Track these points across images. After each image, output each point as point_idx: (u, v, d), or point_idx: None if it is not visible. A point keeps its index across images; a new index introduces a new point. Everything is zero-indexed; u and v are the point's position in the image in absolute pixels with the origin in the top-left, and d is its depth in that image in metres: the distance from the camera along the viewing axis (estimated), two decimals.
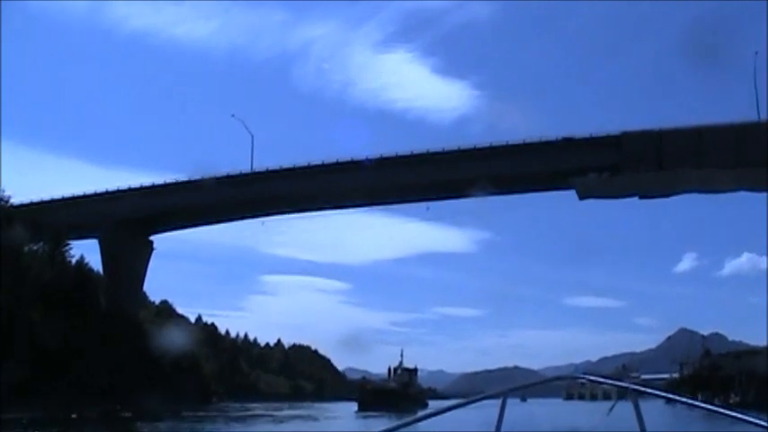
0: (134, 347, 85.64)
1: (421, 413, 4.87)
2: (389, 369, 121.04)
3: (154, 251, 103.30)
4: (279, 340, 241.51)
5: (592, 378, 5.25)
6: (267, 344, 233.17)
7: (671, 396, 4.91)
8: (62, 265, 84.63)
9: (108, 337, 79.54)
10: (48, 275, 77.28)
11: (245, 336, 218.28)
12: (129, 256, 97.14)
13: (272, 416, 78.81)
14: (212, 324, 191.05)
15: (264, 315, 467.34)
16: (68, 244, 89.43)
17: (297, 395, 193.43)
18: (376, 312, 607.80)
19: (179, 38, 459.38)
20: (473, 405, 4.54)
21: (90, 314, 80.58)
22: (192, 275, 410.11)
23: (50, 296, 73.73)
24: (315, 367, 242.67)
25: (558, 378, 5.45)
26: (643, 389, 4.73)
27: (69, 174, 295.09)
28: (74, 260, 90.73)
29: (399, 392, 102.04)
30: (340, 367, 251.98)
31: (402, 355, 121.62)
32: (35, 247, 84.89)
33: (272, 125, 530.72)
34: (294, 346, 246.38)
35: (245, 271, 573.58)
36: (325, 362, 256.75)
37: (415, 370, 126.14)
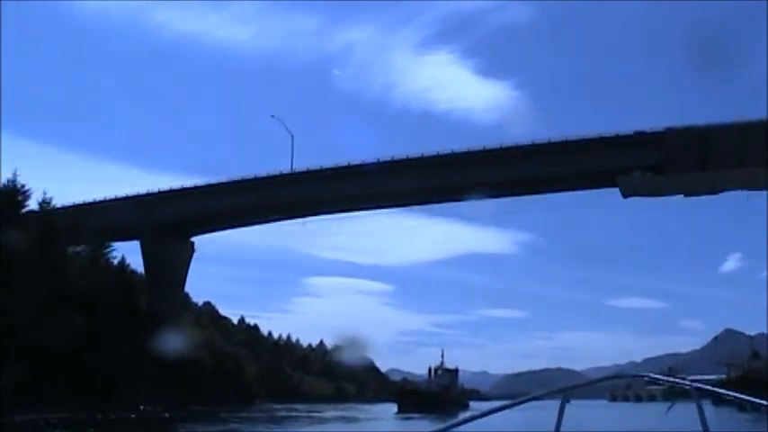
0: (175, 350, 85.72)
1: (466, 414, 4.59)
2: (430, 370, 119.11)
3: (195, 253, 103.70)
4: (321, 341, 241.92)
5: (654, 377, 5.06)
6: (309, 345, 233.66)
7: (739, 396, 4.65)
8: (104, 268, 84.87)
9: (149, 340, 79.61)
10: (90, 278, 77.41)
11: (288, 337, 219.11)
12: (170, 258, 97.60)
13: (312, 417, 78.55)
14: (255, 325, 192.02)
15: (307, 317, 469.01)
16: (110, 246, 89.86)
17: (339, 397, 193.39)
18: (418, 314, 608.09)
19: (219, 42, 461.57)
20: (517, 407, 4.32)
21: (132, 317, 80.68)
22: (234, 278, 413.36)
23: (92, 299, 73.94)
24: (357, 369, 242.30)
25: (619, 377, 5.21)
26: (707, 387, 4.59)
27: (111, 177, 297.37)
28: (116, 262, 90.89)
29: (439, 394, 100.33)
30: (383, 369, 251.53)
31: (443, 356, 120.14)
32: (78, 249, 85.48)
33: (313, 128, 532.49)
34: (337, 347, 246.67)
35: (287, 273, 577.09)
36: (368, 363, 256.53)
37: (456, 371, 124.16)
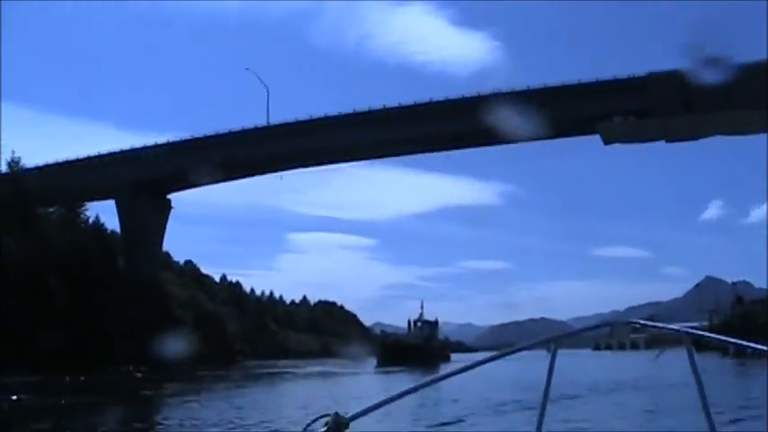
0: (154, 309, 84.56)
1: (448, 367, 4.05)
2: (409, 322, 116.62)
3: (174, 211, 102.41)
4: (305, 297, 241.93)
5: (645, 323, 4.82)
6: (293, 301, 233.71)
7: (731, 340, 4.34)
8: (78, 228, 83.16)
9: (126, 300, 78.41)
10: (63, 239, 75.79)
11: (271, 294, 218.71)
12: (146, 217, 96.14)
13: (292, 373, 77.56)
14: (237, 283, 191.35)
15: (290, 273, 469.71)
16: (84, 206, 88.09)
17: (324, 352, 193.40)
18: (401, 268, 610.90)
19: None
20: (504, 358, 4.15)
21: (108, 277, 79.25)
22: (216, 237, 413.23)
23: (67, 260, 72.41)
24: (342, 324, 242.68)
25: (610, 324, 5.10)
26: (698, 333, 4.40)
27: (82, 136, 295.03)
28: (90, 222, 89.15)
29: (420, 346, 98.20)
30: (367, 323, 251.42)
31: (422, 308, 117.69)
32: (50, 210, 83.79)
33: (288, 81, 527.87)
34: (321, 303, 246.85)
35: (268, 230, 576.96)
36: (352, 318, 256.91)
37: (436, 323, 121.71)
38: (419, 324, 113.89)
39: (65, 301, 69.35)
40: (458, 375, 4.11)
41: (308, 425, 2.74)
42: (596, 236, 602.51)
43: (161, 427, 25.99)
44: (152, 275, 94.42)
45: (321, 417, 2.78)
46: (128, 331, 75.63)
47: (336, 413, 2.80)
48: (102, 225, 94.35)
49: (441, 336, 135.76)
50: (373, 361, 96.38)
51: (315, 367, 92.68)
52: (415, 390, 3.67)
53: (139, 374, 61.02)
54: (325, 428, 2.72)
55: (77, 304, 70.67)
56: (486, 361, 4.33)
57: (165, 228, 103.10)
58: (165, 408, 34.91)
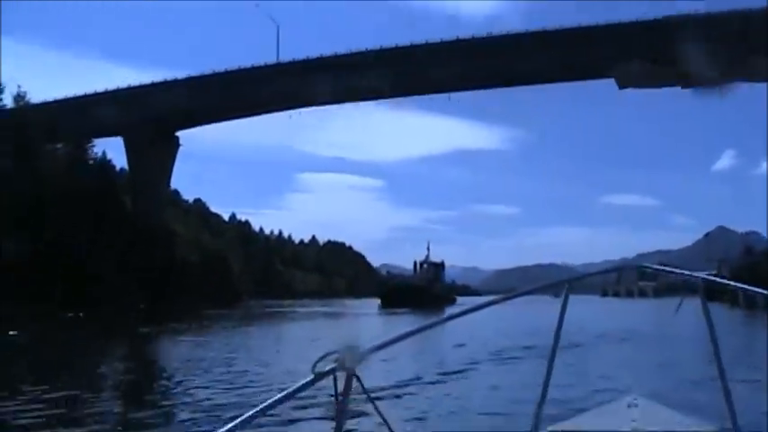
0: (159, 248, 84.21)
1: (453, 309, 4.40)
2: (415, 264, 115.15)
3: (183, 149, 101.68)
4: (313, 237, 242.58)
5: (657, 267, 4.73)
6: (302, 241, 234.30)
7: (746, 287, 4.20)
8: (84, 166, 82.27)
9: (131, 237, 77.98)
10: (69, 177, 74.96)
11: (280, 233, 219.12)
12: (154, 155, 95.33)
13: (295, 312, 77.21)
14: (246, 222, 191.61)
15: (299, 213, 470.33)
16: (91, 142, 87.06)
17: (330, 292, 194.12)
18: (410, 210, 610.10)
19: None
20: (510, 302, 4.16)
21: (114, 215, 78.67)
22: (225, 175, 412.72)
23: (73, 198, 71.68)
24: (349, 264, 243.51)
25: (622, 268, 4.81)
26: (712, 278, 4.27)
27: (90, 73, 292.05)
28: (97, 159, 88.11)
29: (424, 288, 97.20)
30: (374, 264, 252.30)
31: (428, 250, 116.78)
32: (57, 147, 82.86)
33: (299, 18, 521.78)
34: (329, 243, 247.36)
35: (278, 170, 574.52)
36: (360, 259, 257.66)
37: (442, 265, 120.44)
38: (425, 266, 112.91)
39: (69, 237, 68.75)
40: (465, 317, 3.99)
41: (318, 360, 2.65)
42: (606, 183, 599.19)
43: (161, 365, 25.65)
44: (158, 214, 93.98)
45: (331, 353, 2.67)
46: (132, 269, 75.39)
47: (347, 348, 2.69)
48: (110, 162, 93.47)
49: (448, 279, 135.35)
50: (376, 301, 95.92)
51: (319, 308, 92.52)
52: (421, 330, 3.58)
53: (141, 312, 60.58)
54: (335, 364, 2.65)
55: (82, 241, 70.11)
56: (494, 302, 4.31)
57: (172, 166, 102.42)
58: (166, 346, 34.51)
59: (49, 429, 12.43)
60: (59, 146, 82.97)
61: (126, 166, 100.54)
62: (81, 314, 54.96)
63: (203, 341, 35.40)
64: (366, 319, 60.75)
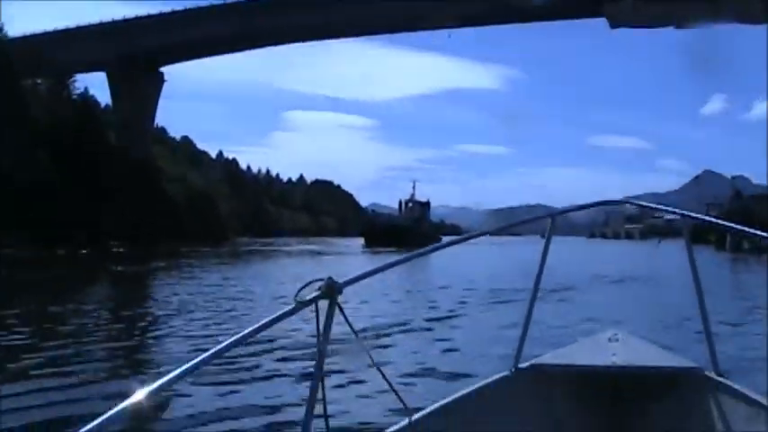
0: (144, 185, 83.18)
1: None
2: (400, 203, 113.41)
3: (171, 87, 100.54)
4: (301, 176, 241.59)
5: (642, 204, 4.73)
6: (290, 179, 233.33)
7: (731, 225, 4.32)
8: (66, 101, 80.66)
9: (117, 175, 76.85)
10: (50, 112, 73.53)
11: (268, 172, 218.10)
12: (139, 90, 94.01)
13: (278, 251, 76.32)
14: (234, 160, 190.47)
15: (288, 152, 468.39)
16: (73, 78, 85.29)
17: (319, 231, 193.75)
18: (401, 150, 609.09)
19: None
20: (497, 241, 5.04)
21: (99, 151, 77.37)
22: (213, 113, 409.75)
23: (54, 134, 70.40)
24: (338, 204, 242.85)
25: (607, 203, 4.54)
26: (697, 216, 4.28)
27: (76, 5, 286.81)
28: (79, 95, 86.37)
29: (409, 227, 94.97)
30: (364, 203, 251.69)
31: (414, 188, 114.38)
32: (38, 82, 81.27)
33: None
34: (317, 182, 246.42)
35: (266, 108, 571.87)
36: (349, 198, 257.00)
37: (428, 204, 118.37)
38: (410, 205, 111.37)
39: (52, 174, 67.65)
40: (450, 252, 4.11)
41: (301, 289, 2.65)
42: (596, 124, 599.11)
43: (141, 302, 24.91)
44: (143, 150, 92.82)
45: (314, 281, 2.69)
46: (117, 207, 74.50)
47: (330, 278, 2.69)
48: (93, 98, 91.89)
49: (437, 219, 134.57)
50: (360, 240, 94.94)
51: (305, 246, 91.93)
52: (402, 261, 3.58)
53: (124, 250, 59.79)
54: (318, 293, 2.68)
55: (66, 178, 68.94)
56: (477, 235, 4.33)
57: (157, 102, 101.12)
58: (150, 283, 34.07)
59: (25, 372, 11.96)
60: (40, 81, 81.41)
61: (110, 102, 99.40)
62: (61, 252, 54.35)
63: (187, 278, 35.02)
64: (349, 258, 60.32)
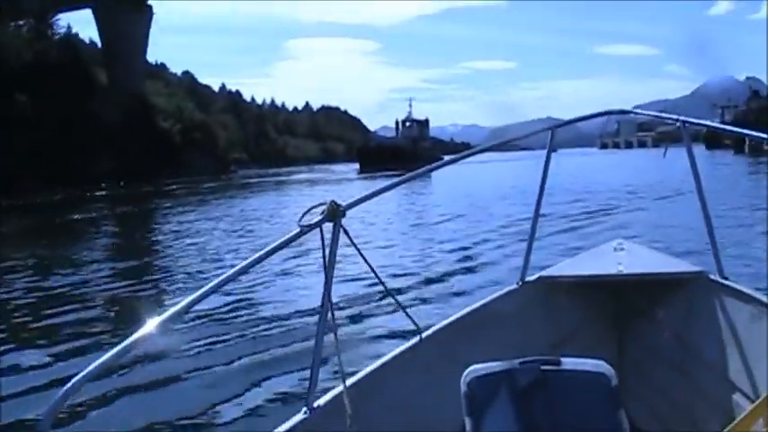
0: (134, 121, 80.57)
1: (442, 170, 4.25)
2: (397, 123, 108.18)
3: (170, 21, 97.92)
4: (307, 103, 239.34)
5: (640, 112, 4.92)
6: (295, 108, 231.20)
7: (729, 128, 4.81)
8: (48, 41, 77.63)
9: (104, 111, 74.31)
10: (30, 53, 70.65)
11: (272, 101, 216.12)
12: (127, 24, 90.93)
13: (278, 181, 73.49)
14: (237, 92, 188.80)
15: (291, 80, 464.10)
16: (56, 16, 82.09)
17: (327, 157, 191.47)
18: (407, 71, 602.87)
19: None
20: (504, 158, 5.06)
21: (84, 90, 74.74)
22: (214, 47, 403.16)
23: (36, 75, 67.60)
24: (345, 129, 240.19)
25: (609, 113, 4.38)
26: (694, 121, 4.26)
27: None
28: (62, 33, 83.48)
29: (405, 148, 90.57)
30: (372, 127, 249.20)
31: (411, 106, 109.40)
32: (20, 24, 78.33)
33: None
34: (323, 108, 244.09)
35: (267, 38, 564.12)
36: (356, 123, 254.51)
37: (426, 122, 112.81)
38: (407, 124, 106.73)
39: (31, 113, 65.01)
40: (450, 166, 4.14)
41: (305, 213, 2.67)
42: (601, 33, 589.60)
43: (140, 238, 25.05)
44: (136, 86, 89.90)
45: (318, 205, 2.71)
46: (106, 144, 72.13)
47: (333, 201, 2.72)
48: (75, 35, 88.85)
49: (446, 137, 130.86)
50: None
51: (304, 174, 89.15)
52: (404, 181, 3.67)
53: (109, 192, 57.34)
54: (321, 216, 2.69)
55: (47, 118, 66.31)
56: (475, 152, 4.57)
57: (147, 36, 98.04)
58: (144, 221, 33.20)
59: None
60: (22, 22, 78.46)
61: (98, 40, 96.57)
62: (57, 196, 52.36)
63: (181, 212, 34.40)
64: (345, 184, 57.54)
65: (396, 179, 3.47)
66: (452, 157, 4.20)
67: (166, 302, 11.75)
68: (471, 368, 2.48)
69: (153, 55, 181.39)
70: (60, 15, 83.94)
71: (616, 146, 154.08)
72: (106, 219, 36.37)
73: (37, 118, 64.93)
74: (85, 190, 58.02)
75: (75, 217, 36.07)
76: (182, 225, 27.57)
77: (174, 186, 60.40)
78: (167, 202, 42.90)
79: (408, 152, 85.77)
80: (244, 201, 43.27)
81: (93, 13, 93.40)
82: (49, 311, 11.50)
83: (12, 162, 59.53)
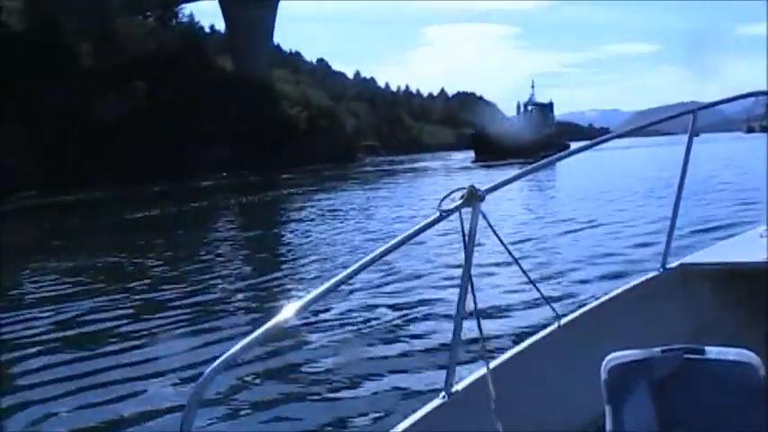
0: (259, 108, 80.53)
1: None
2: (518, 106, 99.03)
3: (296, 8, 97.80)
4: (442, 89, 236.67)
5: None
6: (430, 94, 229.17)
7: None
8: (171, 30, 78.59)
9: (227, 99, 74.48)
10: (152, 42, 71.48)
11: (407, 88, 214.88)
12: (252, 11, 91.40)
13: (397, 169, 71.17)
14: (371, 78, 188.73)
15: (427, 67, 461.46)
16: (181, 6, 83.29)
17: (461, 144, 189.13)
18: (545, 55, 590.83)
19: None
20: (635, 146, 5.48)
21: (206, 79, 75.14)
22: (351, 36, 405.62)
23: (157, 64, 68.24)
24: (481, 115, 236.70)
25: (757, 93, 4.27)
26: None
27: None
28: (184, 22, 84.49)
29: (522, 136, 77.22)
30: (509, 113, 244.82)
31: (533, 88, 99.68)
32: (148, 14, 79.83)
33: None
34: (458, 94, 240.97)
35: (404, 25, 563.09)
36: (493, 108, 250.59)
37: (550, 105, 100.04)
38: (529, 108, 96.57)
39: (149, 103, 65.59)
40: (582, 154, 3.91)
41: (444, 198, 2.72)
42: (741, 13, 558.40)
43: (271, 228, 25.30)
44: (263, 73, 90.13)
45: (456, 190, 2.76)
46: (228, 133, 72.24)
47: (472, 186, 2.76)
48: (197, 23, 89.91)
49: (584, 123, 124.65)
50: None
51: (423, 163, 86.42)
52: (538, 168, 3.58)
53: (204, 183, 56.79)
54: (460, 201, 2.73)
55: (164, 107, 66.69)
56: (606, 139, 4.29)
57: (273, 22, 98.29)
58: (274, 210, 33.70)
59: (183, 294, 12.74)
60: (149, 13, 79.91)
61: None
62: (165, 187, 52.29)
63: (295, 201, 35.38)
64: (445, 179, 53.79)
65: (530, 166, 3.34)
66: (585, 143, 4.02)
67: (301, 290, 11.88)
68: (612, 356, 2.41)
69: (288, 44, 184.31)
70: (184, 5, 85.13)
71: (764, 130, 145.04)
72: (228, 208, 36.64)
73: (155, 107, 65.44)
74: (202, 178, 58.18)
75: (197, 205, 36.99)
76: (300, 212, 28.59)
77: (290, 176, 59.68)
78: (282, 192, 43.28)
79: (526, 139, 75.51)
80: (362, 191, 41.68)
81: (219, 1, 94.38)
82: (190, 300, 12.06)
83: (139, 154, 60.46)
